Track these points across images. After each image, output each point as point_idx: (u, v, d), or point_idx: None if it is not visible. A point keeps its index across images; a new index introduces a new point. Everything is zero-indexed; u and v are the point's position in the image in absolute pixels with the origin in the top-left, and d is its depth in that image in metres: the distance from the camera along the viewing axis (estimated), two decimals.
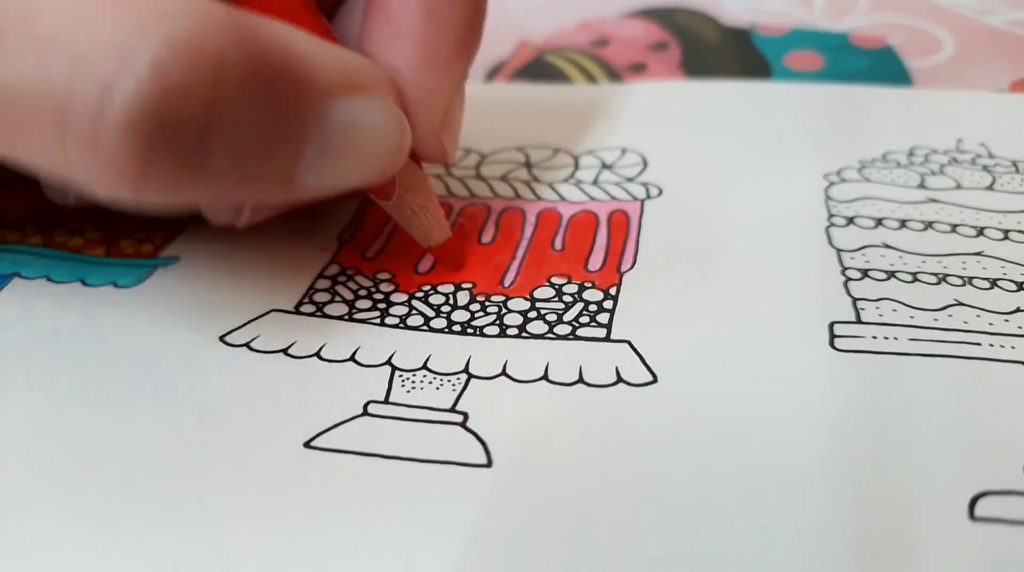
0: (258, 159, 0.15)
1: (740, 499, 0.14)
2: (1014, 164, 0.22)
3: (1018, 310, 0.17)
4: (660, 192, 0.22)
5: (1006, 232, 0.19)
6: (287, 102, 0.14)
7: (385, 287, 0.19)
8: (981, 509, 0.13)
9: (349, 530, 0.14)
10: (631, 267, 0.19)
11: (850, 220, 0.20)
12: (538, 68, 0.29)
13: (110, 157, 0.14)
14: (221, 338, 0.18)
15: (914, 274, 0.18)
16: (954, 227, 0.20)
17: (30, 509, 0.14)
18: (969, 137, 0.23)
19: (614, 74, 0.28)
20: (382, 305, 0.18)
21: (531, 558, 0.13)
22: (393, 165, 0.17)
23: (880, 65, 0.28)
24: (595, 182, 0.22)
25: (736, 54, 0.29)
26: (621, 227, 0.21)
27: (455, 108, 0.19)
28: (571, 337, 0.17)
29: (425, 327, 0.18)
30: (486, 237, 0.20)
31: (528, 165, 0.23)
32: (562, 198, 0.22)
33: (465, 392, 0.16)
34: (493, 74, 0.29)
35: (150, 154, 0.14)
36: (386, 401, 0.16)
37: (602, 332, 0.17)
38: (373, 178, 0.17)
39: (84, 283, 0.19)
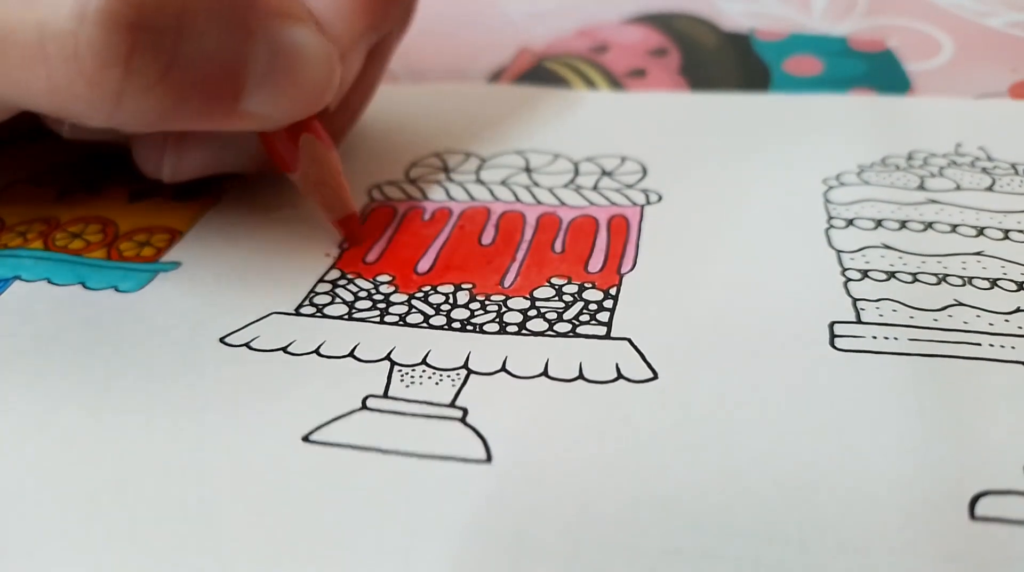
0: (215, 71, 0.16)
1: (740, 495, 0.14)
2: (1013, 166, 0.22)
3: (1018, 310, 0.17)
4: (660, 198, 0.22)
5: (1006, 232, 0.19)
6: (240, 18, 0.16)
7: (385, 289, 0.19)
8: (981, 509, 0.13)
9: (348, 524, 0.14)
10: (631, 269, 0.19)
11: (849, 222, 0.20)
12: (538, 75, 0.29)
13: (92, 59, 0.15)
14: (221, 339, 0.18)
15: (914, 274, 0.18)
16: (954, 227, 0.20)
17: (30, 509, 0.14)
18: (968, 141, 0.23)
19: (614, 80, 0.29)
20: (382, 305, 0.18)
21: (530, 554, 0.13)
22: (326, 93, 0.18)
23: (879, 69, 0.28)
24: (595, 188, 0.22)
25: (735, 59, 0.29)
26: (621, 231, 0.21)
27: (350, 62, 0.20)
28: (571, 334, 0.17)
29: (425, 324, 0.18)
30: (486, 239, 0.20)
31: (528, 169, 0.23)
32: (562, 202, 0.22)
33: (465, 388, 0.16)
34: (493, 81, 0.29)
35: (129, 53, 0.15)
36: (385, 396, 0.16)
37: (602, 330, 0.17)
38: (307, 106, 0.18)
39: (85, 286, 0.19)
